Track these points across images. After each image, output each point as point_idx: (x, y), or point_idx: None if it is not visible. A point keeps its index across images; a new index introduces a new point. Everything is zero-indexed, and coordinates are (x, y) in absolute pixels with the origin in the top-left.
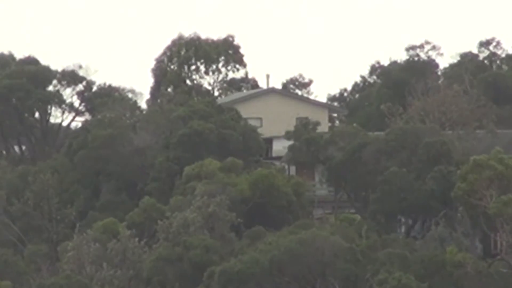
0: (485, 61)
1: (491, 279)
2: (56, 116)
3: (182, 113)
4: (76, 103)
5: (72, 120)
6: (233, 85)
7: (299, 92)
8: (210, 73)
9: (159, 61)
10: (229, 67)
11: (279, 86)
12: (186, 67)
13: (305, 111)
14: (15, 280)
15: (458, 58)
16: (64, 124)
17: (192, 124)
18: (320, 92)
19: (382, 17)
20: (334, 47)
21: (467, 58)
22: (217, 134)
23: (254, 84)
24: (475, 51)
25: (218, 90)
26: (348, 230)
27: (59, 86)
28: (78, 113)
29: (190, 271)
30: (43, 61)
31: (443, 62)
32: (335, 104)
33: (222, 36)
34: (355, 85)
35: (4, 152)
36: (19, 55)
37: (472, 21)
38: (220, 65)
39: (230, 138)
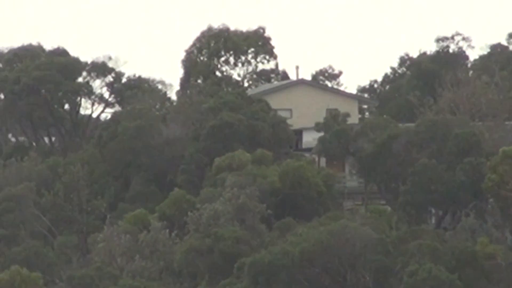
0: None
1: None
2: (86, 108)
3: (212, 105)
4: (106, 94)
5: (102, 111)
6: (262, 76)
7: (329, 84)
8: (240, 65)
9: (189, 52)
10: (258, 59)
11: (308, 77)
12: (216, 59)
13: (335, 102)
14: (45, 272)
15: (488, 50)
16: (94, 115)
17: (222, 116)
18: (350, 84)
19: (412, 8)
20: (364, 39)
21: (496, 50)
22: (247, 125)
23: (284, 76)
24: (504, 42)
25: (248, 81)
26: (378, 221)
27: (88, 77)
28: (108, 104)
29: (220, 263)
30: (73, 53)
31: (473, 54)
32: (365, 95)
33: (252, 27)
34: (385, 76)
35: (34, 143)
36: (48, 46)
37: (501, 12)
38: (249, 56)
39: (260, 130)
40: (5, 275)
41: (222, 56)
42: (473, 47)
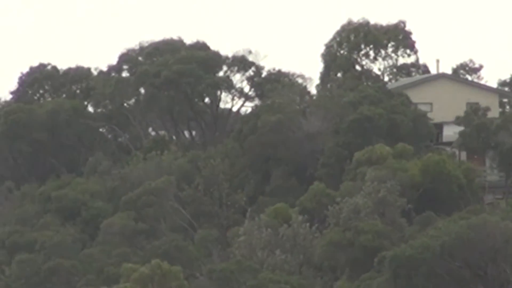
0: None
1: None
2: (226, 102)
3: (352, 99)
4: (246, 88)
5: (242, 105)
6: (403, 70)
7: (469, 78)
8: (380, 59)
9: (328, 46)
10: (399, 52)
11: (449, 71)
12: (355, 52)
13: (476, 96)
14: (185, 265)
15: None
16: (234, 109)
17: (362, 110)
18: (490, 78)
19: None
20: (506, 32)
21: None
22: (387, 119)
23: (424, 69)
24: None
25: (388, 75)
26: None
27: (229, 71)
28: (247, 98)
29: (360, 256)
30: (213, 47)
31: None
32: (506, 89)
33: (392, 21)
34: None
35: (174, 137)
36: (188, 40)
37: None
38: (389, 50)
39: (400, 123)
40: (146, 269)
41: (362, 50)
42: None
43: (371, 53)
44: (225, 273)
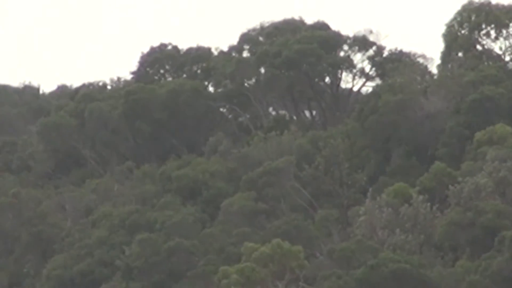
0: None
1: None
2: (347, 81)
3: (472, 78)
4: (367, 68)
5: (363, 85)
6: None
7: None
8: (501, 38)
9: (449, 26)
10: None
11: None
12: (476, 32)
13: None
14: (306, 245)
15: None
16: (355, 89)
17: (483, 89)
18: None
19: None
20: None
21: None
22: (508, 99)
23: None
24: None
25: (509, 55)
26: None
27: (349, 51)
28: (368, 78)
29: (481, 236)
30: (333, 26)
31: None
32: None
33: None
34: None
35: (294, 117)
36: (309, 20)
37: None
38: (511, 30)
39: None
40: (266, 248)
41: (483, 29)
42: None
43: (492, 32)
44: (345, 253)
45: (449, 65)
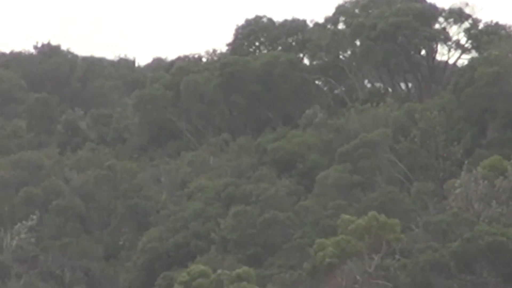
0: None
1: None
2: (442, 54)
3: None
4: (463, 40)
5: (459, 57)
6: None
7: None
8: None
9: None
10: None
11: None
12: None
13: None
14: (401, 218)
15: None
16: (450, 61)
17: None
18: None
19: None
20: None
21: None
22: None
23: None
24: None
25: None
26: None
27: (445, 23)
28: (464, 50)
29: None
30: None
31: None
32: None
33: None
34: None
35: (390, 89)
36: None
37: None
38: None
39: None
40: (362, 221)
41: None
42: None
43: None
44: (441, 225)
45: None
